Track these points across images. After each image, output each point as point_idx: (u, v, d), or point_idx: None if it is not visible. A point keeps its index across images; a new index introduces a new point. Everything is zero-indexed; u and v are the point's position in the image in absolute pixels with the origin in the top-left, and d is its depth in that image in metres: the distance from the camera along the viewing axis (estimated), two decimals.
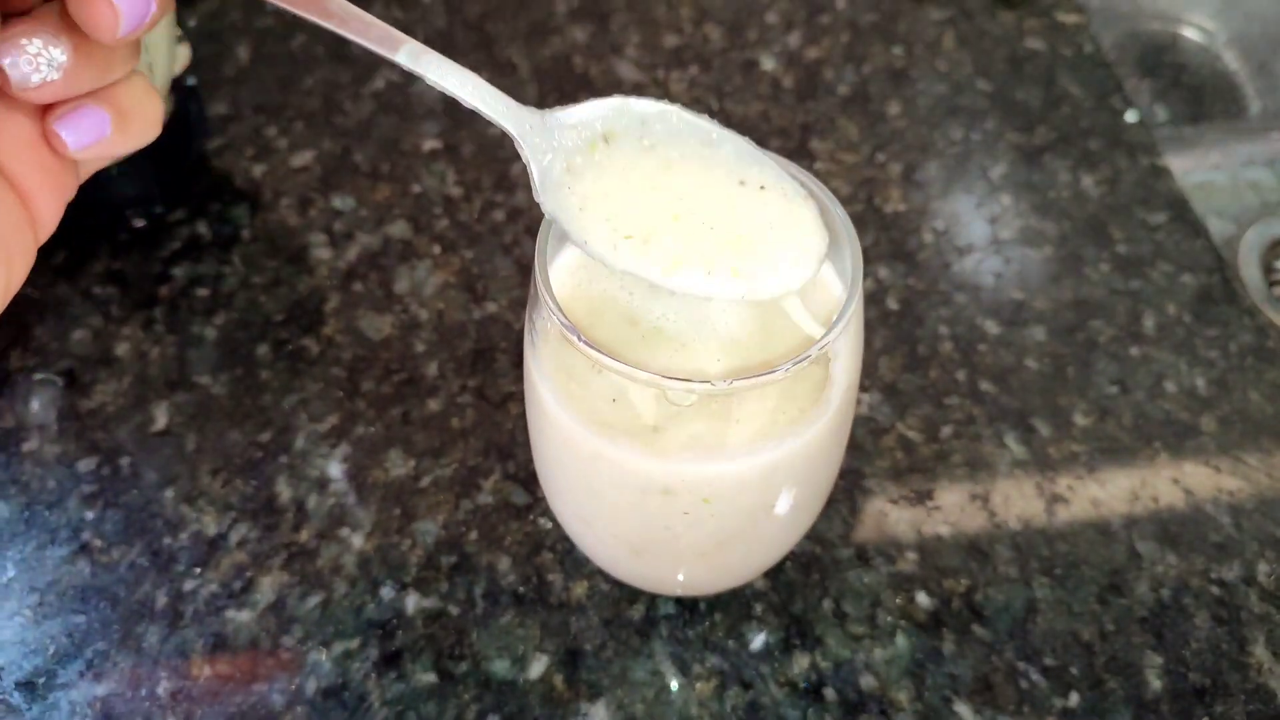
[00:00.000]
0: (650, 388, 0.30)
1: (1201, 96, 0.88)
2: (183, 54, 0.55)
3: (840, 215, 0.33)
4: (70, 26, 0.23)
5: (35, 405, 0.50)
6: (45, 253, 0.55)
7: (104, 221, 0.56)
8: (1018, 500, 0.47)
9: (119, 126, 0.25)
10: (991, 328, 0.52)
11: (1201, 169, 0.77)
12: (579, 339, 0.30)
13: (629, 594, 0.44)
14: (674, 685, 0.42)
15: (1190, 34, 0.92)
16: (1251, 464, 0.48)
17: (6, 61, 0.23)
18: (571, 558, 0.45)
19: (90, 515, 0.46)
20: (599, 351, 0.29)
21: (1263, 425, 0.49)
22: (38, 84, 0.23)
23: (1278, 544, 0.46)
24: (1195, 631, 0.43)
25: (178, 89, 0.55)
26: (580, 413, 0.32)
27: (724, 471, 0.32)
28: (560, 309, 0.30)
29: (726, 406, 0.31)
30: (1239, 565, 0.45)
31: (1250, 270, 0.73)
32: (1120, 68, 0.88)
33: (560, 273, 0.35)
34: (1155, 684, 0.42)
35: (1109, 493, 0.47)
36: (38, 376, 0.51)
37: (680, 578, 0.40)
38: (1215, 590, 0.44)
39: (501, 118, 0.29)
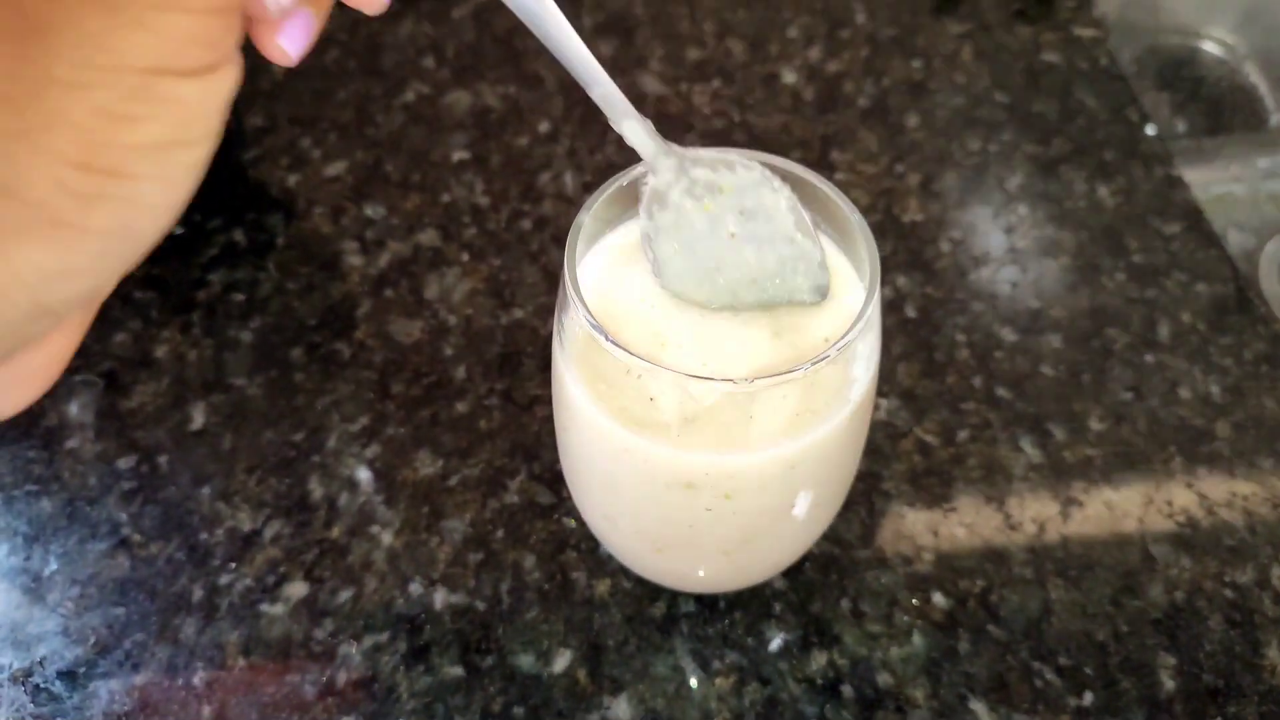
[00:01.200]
0: (674, 385, 0.31)
1: (1221, 109, 0.89)
2: None
3: (858, 221, 0.34)
4: None
5: (77, 405, 0.52)
6: None
7: None
8: (1033, 503, 0.47)
9: (319, 17, 0.25)
10: (1008, 335, 0.53)
11: (1221, 181, 0.78)
12: (605, 338, 0.31)
13: (651, 591, 0.45)
14: (694, 681, 0.43)
15: (1210, 47, 0.92)
16: (1265, 469, 0.49)
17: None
18: (595, 556, 0.46)
19: (129, 511, 0.48)
20: (624, 350, 0.31)
21: (1277, 431, 0.50)
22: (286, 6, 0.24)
23: None
24: (1209, 633, 0.44)
25: None
26: (606, 410, 0.34)
27: (745, 468, 0.33)
28: (588, 309, 0.32)
29: (748, 405, 0.32)
30: (1253, 569, 0.46)
31: (1270, 283, 0.73)
32: (1140, 81, 0.89)
33: (587, 278, 0.36)
34: (1169, 684, 0.42)
35: (1123, 497, 0.48)
36: (79, 378, 0.52)
37: (701, 574, 0.41)
38: (1229, 594, 0.45)
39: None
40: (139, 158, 0.21)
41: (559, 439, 0.40)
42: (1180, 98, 0.89)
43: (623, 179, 0.35)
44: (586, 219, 0.34)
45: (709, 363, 0.33)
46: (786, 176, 0.34)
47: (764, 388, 0.31)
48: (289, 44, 0.25)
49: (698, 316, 0.34)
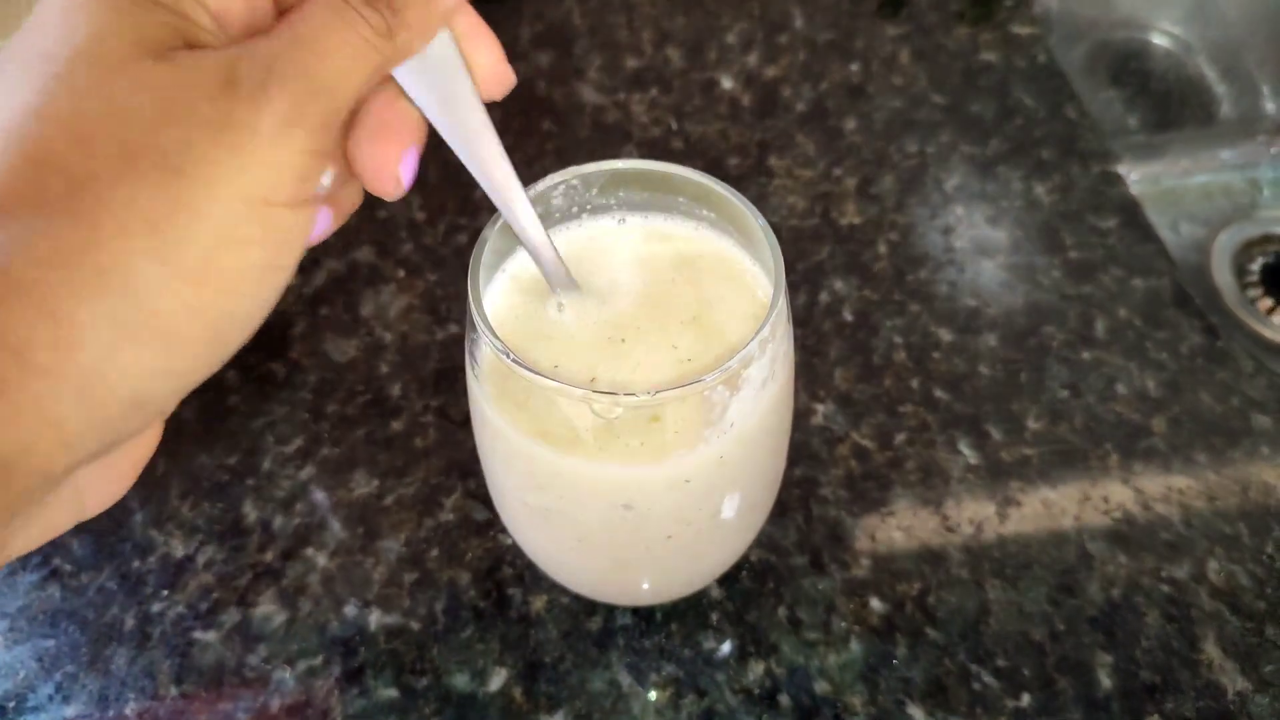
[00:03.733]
0: (581, 401, 0.31)
1: (1170, 102, 0.90)
2: None
3: (761, 224, 0.34)
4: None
5: None
6: None
7: None
8: (970, 504, 0.47)
9: (336, 219, 0.27)
10: (945, 335, 0.53)
11: (1173, 174, 0.78)
12: (509, 357, 0.31)
13: (587, 607, 0.44)
14: (631, 694, 0.42)
15: (1160, 40, 0.93)
16: (1201, 462, 0.49)
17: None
18: (531, 572, 0.45)
19: (60, 540, 0.47)
20: (529, 369, 0.30)
21: (1212, 425, 0.50)
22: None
23: (1228, 541, 0.46)
24: (1146, 630, 0.44)
25: None
26: (520, 428, 0.33)
27: (658, 478, 0.33)
28: (493, 331, 0.31)
29: (659, 416, 0.32)
30: (1189, 564, 0.46)
31: (1222, 275, 0.74)
32: (1090, 76, 0.89)
33: (495, 299, 0.36)
34: (1106, 682, 0.42)
35: (1060, 495, 0.48)
36: None
37: (629, 587, 0.41)
38: (1166, 589, 0.45)
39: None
40: (244, 279, 0.24)
41: (481, 459, 0.39)
42: (1130, 92, 0.90)
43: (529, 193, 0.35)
44: (491, 235, 0.34)
45: (619, 375, 0.33)
46: (687, 185, 0.34)
47: (670, 399, 0.31)
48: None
49: (610, 330, 0.34)
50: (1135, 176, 0.77)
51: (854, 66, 0.66)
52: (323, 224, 0.27)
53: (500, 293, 0.36)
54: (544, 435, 0.33)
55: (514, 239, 0.36)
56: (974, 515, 0.47)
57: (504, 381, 0.33)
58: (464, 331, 0.53)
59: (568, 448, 0.33)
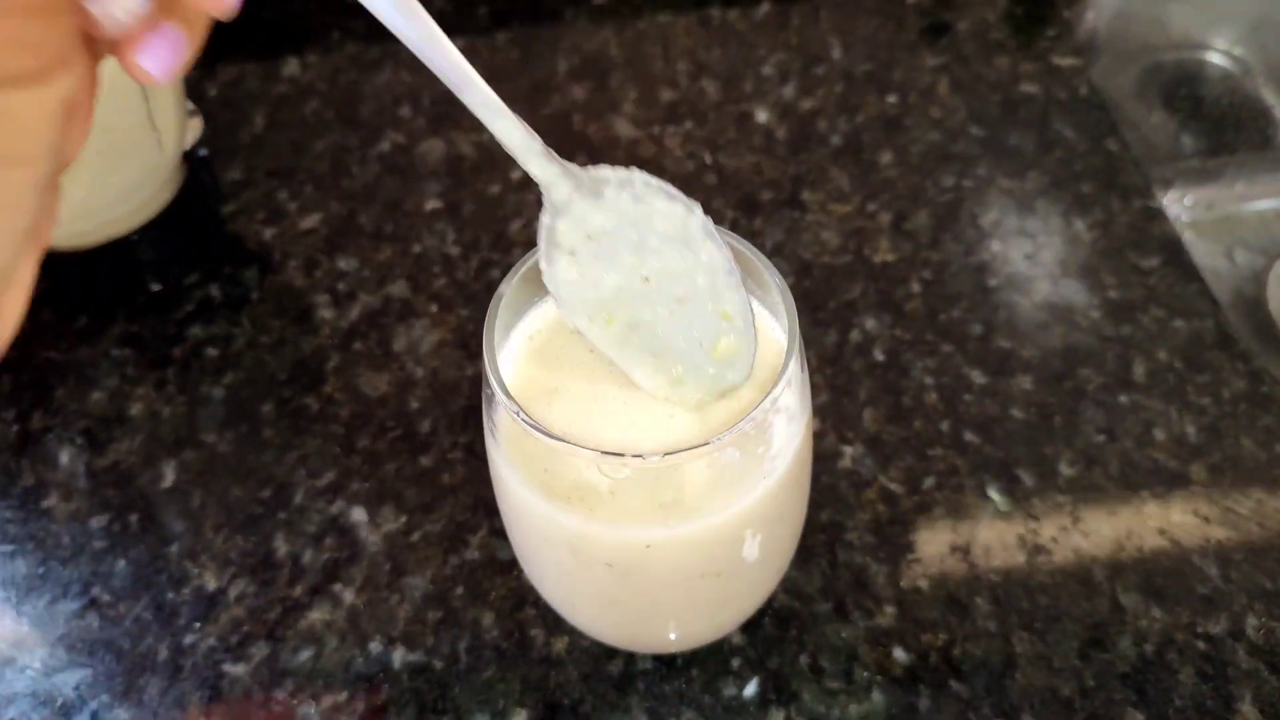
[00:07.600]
0: (590, 462, 0.31)
1: (1226, 125, 0.87)
2: (194, 126, 0.58)
3: (777, 283, 0.34)
4: None
5: (54, 464, 0.52)
6: (67, 317, 0.58)
7: (123, 286, 0.59)
8: (999, 552, 0.47)
9: (190, 36, 0.23)
10: (977, 377, 0.52)
11: (1228, 200, 0.76)
12: (519, 415, 0.31)
13: (608, 650, 0.44)
14: None
15: (1216, 60, 0.91)
16: (1242, 513, 0.47)
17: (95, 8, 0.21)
18: (553, 613, 0.46)
19: (100, 570, 0.48)
20: (538, 428, 0.31)
21: (1254, 473, 0.48)
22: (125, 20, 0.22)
23: (1268, 596, 0.45)
24: (1179, 688, 0.43)
25: (190, 160, 0.58)
26: (533, 484, 0.33)
27: (671, 539, 0.33)
28: (505, 389, 0.32)
29: (672, 477, 0.32)
30: (1226, 619, 0.44)
31: (1279, 303, 0.71)
32: (1143, 98, 0.88)
33: (514, 352, 0.36)
34: None
35: (1093, 544, 0.47)
36: (57, 436, 0.53)
37: (647, 639, 0.41)
38: (1201, 645, 0.44)
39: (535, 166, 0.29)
40: None
41: (501, 514, 0.39)
42: (1183, 115, 0.88)
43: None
44: (507, 292, 0.34)
45: (633, 434, 0.33)
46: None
47: (682, 461, 0.31)
48: (152, 63, 0.23)
49: (625, 386, 0.34)
50: (1188, 202, 0.75)
51: (891, 98, 0.65)
52: (161, 62, 0.23)
53: (517, 350, 0.36)
54: (555, 493, 0.33)
55: (536, 289, 0.36)
56: (1002, 563, 0.46)
57: (519, 440, 0.33)
58: None
59: (581, 506, 0.33)
